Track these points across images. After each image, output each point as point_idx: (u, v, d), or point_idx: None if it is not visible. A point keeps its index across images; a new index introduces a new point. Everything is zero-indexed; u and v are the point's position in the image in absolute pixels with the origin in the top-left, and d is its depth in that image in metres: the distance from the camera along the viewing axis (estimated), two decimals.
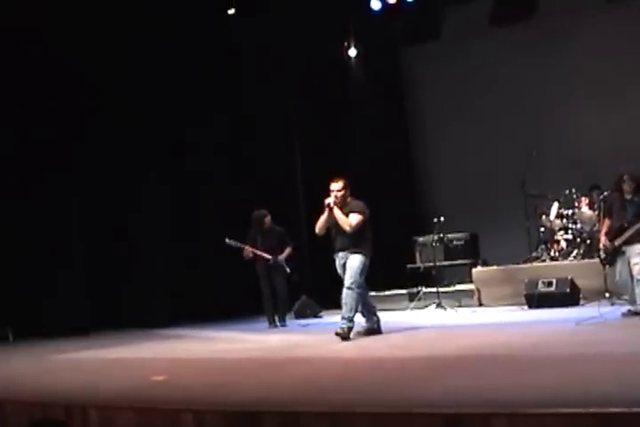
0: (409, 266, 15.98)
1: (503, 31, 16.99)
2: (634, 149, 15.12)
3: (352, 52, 17.81)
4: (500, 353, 8.11)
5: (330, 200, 10.18)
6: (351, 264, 10.10)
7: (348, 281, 10.04)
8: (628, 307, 10.44)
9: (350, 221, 10.08)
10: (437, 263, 15.20)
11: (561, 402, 5.05)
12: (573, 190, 14.44)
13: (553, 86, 16.69)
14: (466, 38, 17.40)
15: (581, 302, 12.74)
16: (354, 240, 10.14)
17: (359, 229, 10.13)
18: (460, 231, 15.80)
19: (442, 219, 14.95)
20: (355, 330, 10.19)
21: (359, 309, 10.28)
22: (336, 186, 10.27)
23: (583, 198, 14.34)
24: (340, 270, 10.33)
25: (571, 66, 16.59)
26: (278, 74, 16.55)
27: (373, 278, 15.39)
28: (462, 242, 15.81)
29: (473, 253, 15.86)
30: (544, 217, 14.67)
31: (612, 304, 11.63)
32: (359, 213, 10.18)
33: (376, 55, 17.91)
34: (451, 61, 17.68)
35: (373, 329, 10.49)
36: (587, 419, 4.69)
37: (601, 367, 6.56)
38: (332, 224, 10.26)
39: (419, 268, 15.84)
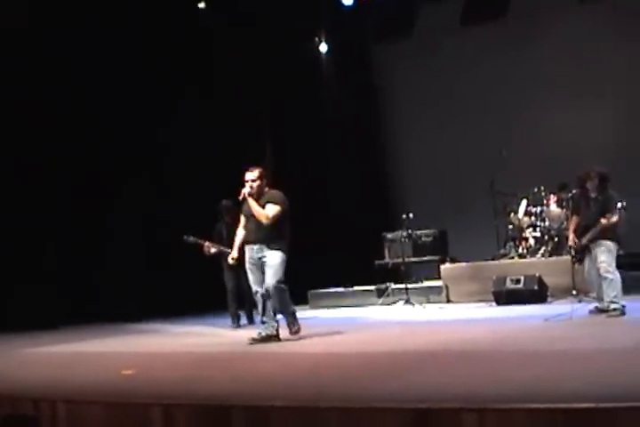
0: (377, 262, 16.01)
1: (475, 30, 17.05)
2: (603, 148, 15.26)
3: (323, 48, 17.80)
4: (468, 349, 8.14)
5: (245, 190, 9.67)
6: (272, 262, 9.55)
7: (271, 280, 9.52)
8: (596, 304, 10.51)
9: (267, 212, 9.58)
10: (406, 259, 15.24)
11: (530, 397, 5.08)
12: (542, 188, 14.52)
13: (524, 86, 16.78)
14: (438, 37, 17.47)
15: (549, 299, 12.82)
16: (271, 234, 9.62)
17: (277, 221, 9.62)
18: (428, 228, 15.85)
19: (411, 215, 14.98)
20: (250, 336, 9.76)
21: (275, 309, 9.73)
22: (251, 175, 9.72)
23: (551, 196, 14.41)
24: (249, 264, 9.78)
25: (541, 65, 16.71)
26: (249, 69, 16.47)
27: (342, 274, 15.58)
28: (431, 238, 15.86)
29: (441, 249, 15.91)
30: (512, 215, 14.74)
31: (580, 302, 11.68)
32: (276, 203, 9.65)
33: (347, 51, 17.95)
34: (422, 59, 17.74)
35: (273, 335, 9.75)
36: (555, 414, 4.73)
37: (569, 364, 6.62)
38: (248, 215, 9.77)
39: (387, 264, 15.88)
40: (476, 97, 17.22)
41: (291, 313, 9.91)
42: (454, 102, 17.46)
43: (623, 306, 10.03)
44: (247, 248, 9.84)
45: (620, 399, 4.79)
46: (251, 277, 9.81)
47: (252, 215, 9.71)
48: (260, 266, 9.67)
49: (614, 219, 10.03)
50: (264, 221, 9.58)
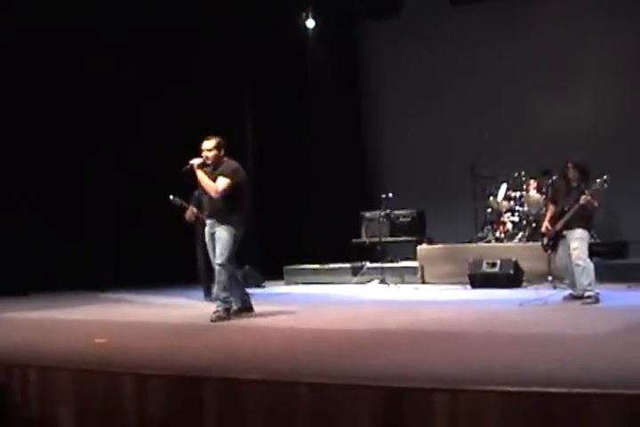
0: (354, 240, 16.02)
1: (464, 11, 17.02)
2: (586, 136, 15.29)
3: (310, 23, 17.69)
4: (442, 330, 8.16)
5: (195, 161, 9.34)
6: (220, 237, 9.23)
7: (218, 257, 9.20)
8: (570, 291, 10.56)
9: (217, 185, 9.22)
10: (383, 239, 15.26)
11: (503, 380, 5.09)
12: (523, 173, 14.56)
13: (510, 70, 16.78)
14: (426, 16, 17.41)
15: (524, 284, 12.86)
16: (223, 208, 9.28)
17: (228, 194, 9.23)
18: (407, 208, 15.86)
19: (390, 195, 14.98)
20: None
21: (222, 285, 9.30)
22: (207, 144, 9.37)
23: (532, 181, 14.46)
24: (207, 239, 9.51)
25: (528, 51, 16.71)
26: (234, 44, 16.34)
27: (318, 251, 15.59)
28: (409, 219, 15.87)
29: (419, 230, 15.93)
30: (492, 198, 14.78)
31: (555, 288, 11.76)
32: (227, 176, 9.24)
33: (334, 28, 17.84)
34: (409, 39, 17.70)
35: (245, 308, 9.62)
36: (528, 398, 4.73)
37: (543, 347, 6.63)
38: (202, 188, 9.51)
39: (364, 243, 15.89)
40: (461, 79, 17.18)
41: (230, 294, 9.41)
42: (439, 83, 17.43)
43: (597, 294, 10.07)
44: (207, 222, 9.61)
45: (593, 385, 4.80)
46: (210, 253, 9.57)
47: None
48: (213, 241, 9.42)
49: (596, 204, 10.08)
50: (213, 194, 9.30)
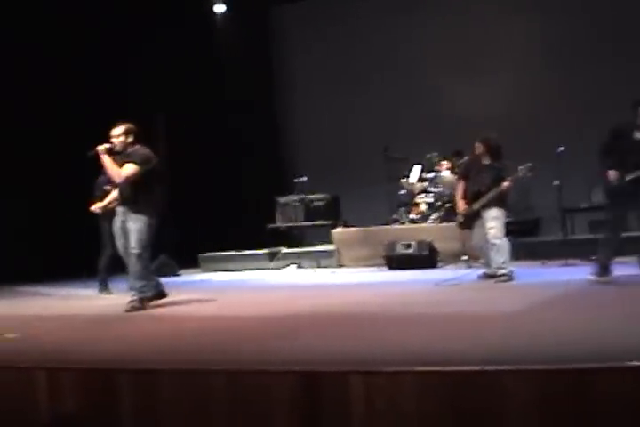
0: (269, 226, 15.97)
1: None
2: (498, 118, 15.43)
3: (219, 8, 17.51)
4: (358, 312, 8.16)
5: (99, 147, 9.12)
6: (133, 227, 9.04)
7: (134, 247, 9.01)
8: (484, 270, 10.65)
9: (121, 171, 9.05)
10: (298, 224, 15.24)
11: (419, 360, 5.09)
12: (435, 154, 14.63)
13: (422, 53, 16.95)
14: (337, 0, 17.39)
15: (439, 264, 12.96)
16: (132, 196, 9.09)
17: (138, 182, 9.04)
18: (321, 192, 15.85)
19: (304, 179, 14.96)
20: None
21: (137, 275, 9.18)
22: (115, 131, 9.18)
23: (444, 162, 14.54)
24: (115, 228, 9.33)
25: (441, 34, 16.89)
26: (137, 25, 16.07)
27: (234, 238, 15.51)
28: (323, 203, 15.86)
29: (334, 214, 15.92)
30: (405, 180, 14.82)
31: (469, 267, 11.87)
32: (135, 162, 9.04)
33: (245, 12, 17.69)
34: (322, 22, 17.69)
35: (159, 294, 9.40)
36: (442, 377, 4.74)
37: (457, 327, 6.66)
38: None
39: (279, 228, 15.85)
40: (373, 63, 17.24)
41: (144, 283, 9.23)
42: (351, 67, 17.46)
43: (511, 271, 10.19)
44: (118, 210, 9.41)
45: (507, 362, 4.84)
46: (117, 241, 9.40)
47: None
48: (125, 230, 9.23)
49: (510, 185, 10.16)
50: (117, 180, 9.17)
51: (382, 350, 5.70)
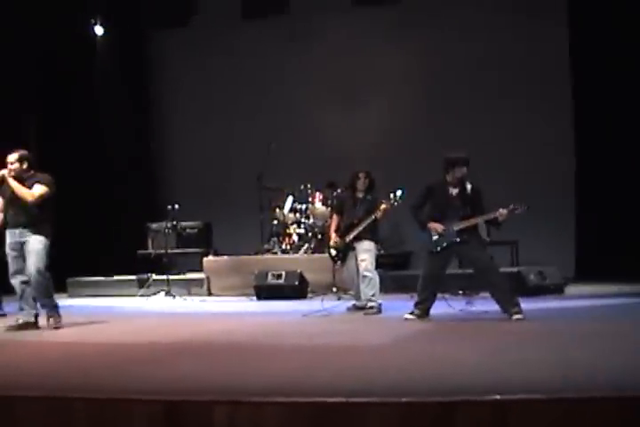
0: (140, 252, 15.78)
1: (255, 24, 17.06)
2: (371, 151, 15.64)
3: (99, 30, 17.33)
4: (225, 341, 8.12)
5: (3, 171, 9.32)
6: (35, 248, 9.21)
7: (34, 267, 9.17)
8: (353, 302, 10.72)
9: (33, 191, 9.24)
10: (169, 251, 15.10)
11: (283, 391, 5.08)
12: (309, 186, 14.69)
13: (298, 84, 16.99)
14: (217, 27, 17.37)
15: (309, 295, 12.99)
16: (33, 218, 9.27)
17: (41, 204, 9.28)
18: (194, 220, 15.76)
19: (176, 206, 14.85)
20: (9, 323, 9.48)
21: (35, 298, 9.40)
22: (11, 157, 9.35)
23: (317, 194, 14.60)
24: (8, 250, 9.36)
25: (317, 65, 16.99)
26: (19, 46, 15.80)
27: (103, 263, 15.28)
28: (195, 230, 15.77)
29: (205, 242, 15.84)
30: (278, 210, 14.84)
31: (339, 299, 11.94)
32: (45, 184, 9.33)
33: (122, 36, 17.54)
34: (199, 50, 17.59)
35: (31, 322, 9.43)
36: (307, 408, 4.75)
37: (324, 358, 6.69)
38: (8, 198, 9.37)
39: (150, 254, 15.66)
40: (250, 91, 17.25)
41: (52, 304, 9.53)
42: (228, 95, 17.44)
43: (380, 304, 10.27)
44: (8, 233, 9.43)
45: (371, 394, 4.86)
46: (11, 263, 9.39)
47: (13, 198, 9.33)
48: (22, 251, 9.30)
49: (387, 208, 10.23)
50: (29, 199, 9.24)
51: (247, 380, 5.67)
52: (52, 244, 9.41)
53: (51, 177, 9.50)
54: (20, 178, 9.34)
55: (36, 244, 9.24)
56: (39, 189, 9.31)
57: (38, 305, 9.53)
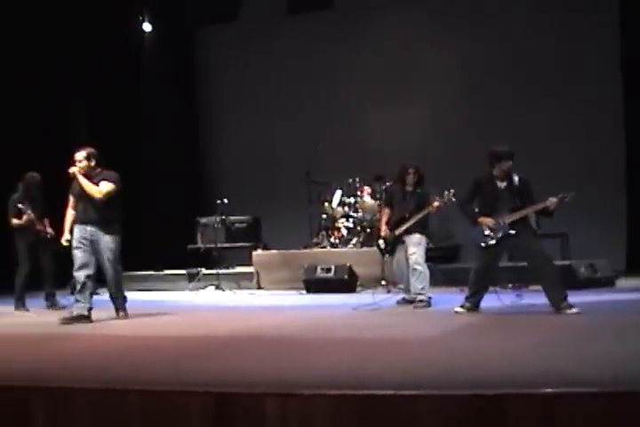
0: (189, 246, 15.91)
1: (301, 20, 17.17)
2: (418, 145, 15.63)
3: (147, 27, 17.47)
4: (275, 335, 8.16)
5: (73, 168, 9.61)
6: (108, 246, 9.57)
7: (111, 263, 9.62)
8: (403, 295, 10.73)
9: (100, 188, 9.54)
10: (218, 245, 15.20)
11: (333, 384, 5.11)
12: (357, 179, 14.71)
13: (345, 78, 17.08)
14: (263, 23, 17.47)
15: (358, 288, 13.01)
16: (104, 216, 9.57)
17: (110, 201, 9.60)
18: (243, 214, 15.85)
19: (225, 201, 14.94)
20: (62, 315, 9.77)
21: (119, 288, 9.96)
22: (78, 155, 9.66)
23: (366, 188, 14.63)
24: (77, 243, 9.58)
25: (362, 62, 16.98)
26: (68, 45, 15.97)
27: (154, 257, 15.41)
28: (244, 225, 15.90)
29: (254, 236, 15.97)
30: (326, 204, 14.89)
31: (388, 292, 11.95)
32: (112, 182, 9.62)
33: (170, 32, 17.68)
34: (245, 46, 17.74)
35: (85, 316, 9.64)
36: (356, 400, 4.77)
37: (372, 351, 6.71)
38: (78, 195, 9.66)
39: (199, 248, 15.79)
40: (297, 86, 17.34)
41: (123, 297, 9.97)
42: (275, 90, 17.54)
43: (430, 298, 10.28)
44: (77, 228, 9.65)
45: (419, 387, 4.88)
46: (79, 256, 9.58)
47: (83, 195, 9.59)
48: (91, 247, 9.57)
49: (439, 205, 10.25)
50: (97, 196, 9.52)
51: (298, 372, 5.72)
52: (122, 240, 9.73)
53: (117, 174, 9.74)
54: (87, 175, 9.60)
55: (108, 243, 9.59)
56: (106, 187, 9.57)
57: (93, 299, 9.79)
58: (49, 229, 11.61)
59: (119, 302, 9.95)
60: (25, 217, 11.37)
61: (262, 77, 17.67)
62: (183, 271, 15.16)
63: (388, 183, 13.34)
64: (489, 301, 9.63)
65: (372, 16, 16.80)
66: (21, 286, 11.53)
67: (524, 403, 4.61)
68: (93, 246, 9.59)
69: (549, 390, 4.65)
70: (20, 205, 11.34)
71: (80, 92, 16.43)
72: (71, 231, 9.78)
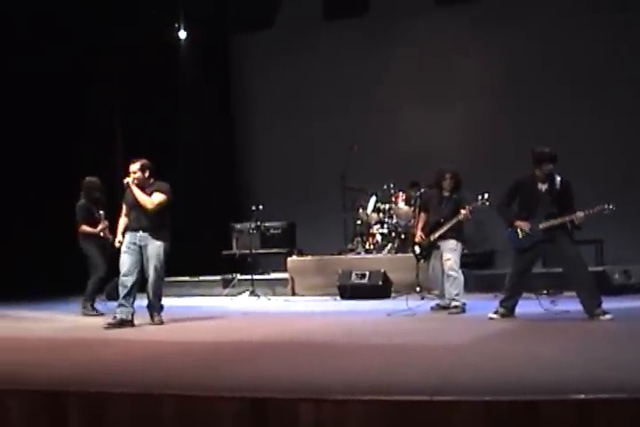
0: (225, 252, 15.96)
1: (336, 25, 17.24)
2: (454, 151, 15.59)
3: (182, 34, 17.58)
4: (310, 340, 8.18)
5: (128, 179, 9.96)
6: (156, 252, 9.83)
7: (155, 270, 9.85)
8: (437, 301, 10.73)
9: (152, 199, 9.87)
10: (253, 251, 15.24)
11: (366, 389, 5.13)
12: (391, 185, 14.70)
13: (380, 83, 17.06)
14: (299, 29, 17.55)
15: (393, 295, 13.00)
16: (154, 224, 9.88)
17: (161, 210, 9.91)
18: (277, 220, 15.88)
19: (260, 207, 14.97)
20: (107, 320, 9.90)
21: (158, 294, 10.10)
22: (133, 167, 10.00)
23: (400, 194, 14.61)
24: (126, 248, 9.88)
25: (398, 66, 17.00)
26: (105, 51, 16.09)
27: (189, 263, 15.45)
28: (279, 231, 15.91)
29: (289, 242, 15.97)
30: (361, 210, 14.89)
31: (422, 298, 11.94)
32: (162, 192, 9.93)
33: (206, 39, 17.78)
34: (281, 51, 17.79)
35: (128, 320, 9.88)
36: (389, 405, 4.78)
37: (406, 356, 6.72)
38: (131, 204, 9.95)
39: (234, 254, 15.84)
40: (331, 91, 17.37)
41: (160, 305, 10.16)
42: (310, 96, 17.58)
43: (464, 304, 10.26)
44: (129, 234, 9.96)
45: (453, 393, 4.89)
46: (127, 261, 9.85)
47: (136, 204, 9.88)
48: (139, 253, 9.87)
49: (467, 213, 10.24)
50: (149, 206, 9.83)
51: (332, 378, 5.73)
52: (171, 247, 9.95)
53: (168, 185, 10.06)
54: (141, 185, 9.91)
55: (156, 249, 9.85)
56: (158, 197, 9.90)
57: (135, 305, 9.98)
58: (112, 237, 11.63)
59: (156, 308, 10.09)
60: (100, 226, 11.64)
61: (297, 83, 17.72)
62: (218, 277, 15.21)
63: (422, 189, 13.31)
64: (525, 306, 9.61)
65: (407, 21, 16.81)
66: (95, 290, 11.73)
67: (559, 409, 4.61)
68: (142, 252, 9.87)
69: (583, 396, 4.64)
70: (101, 212, 11.70)
71: (116, 97, 16.56)
72: (123, 237, 10.08)
